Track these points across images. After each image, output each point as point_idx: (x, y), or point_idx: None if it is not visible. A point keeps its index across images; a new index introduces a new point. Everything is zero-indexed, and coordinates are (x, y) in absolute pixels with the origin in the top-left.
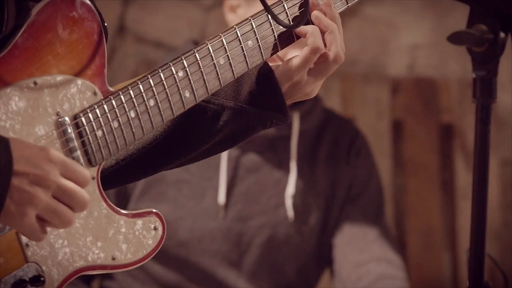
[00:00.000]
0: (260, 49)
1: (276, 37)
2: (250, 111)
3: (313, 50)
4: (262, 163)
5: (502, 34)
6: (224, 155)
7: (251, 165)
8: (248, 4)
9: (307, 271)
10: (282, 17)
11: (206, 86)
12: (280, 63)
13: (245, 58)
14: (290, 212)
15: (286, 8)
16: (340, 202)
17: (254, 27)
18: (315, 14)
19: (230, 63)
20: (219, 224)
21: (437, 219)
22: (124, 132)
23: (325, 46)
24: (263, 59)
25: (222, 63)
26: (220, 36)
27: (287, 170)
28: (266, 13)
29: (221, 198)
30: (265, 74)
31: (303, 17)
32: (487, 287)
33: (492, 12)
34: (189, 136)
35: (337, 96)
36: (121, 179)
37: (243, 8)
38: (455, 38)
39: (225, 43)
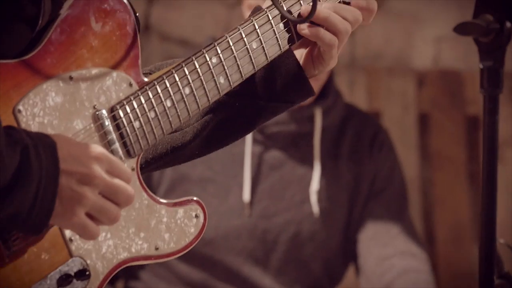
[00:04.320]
0: (292, 31)
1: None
2: (284, 107)
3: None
4: (286, 159)
5: (508, 24)
6: (248, 153)
7: (275, 162)
8: (267, 2)
9: (332, 266)
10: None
11: (240, 71)
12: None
13: (278, 41)
14: (315, 208)
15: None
16: (363, 197)
17: (285, 8)
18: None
19: (263, 46)
20: (244, 222)
21: (465, 211)
22: (161, 122)
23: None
24: (296, 40)
25: (254, 47)
26: (252, 20)
27: (310, 166)
28: None
29: (246, 195)
30: (294, 71)
31: (313, 11)
32: (509, 277)
33: (498, 2)
34: (220, 135)
35: (362, 91)
36: (150, 171)
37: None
38: (461, 29)
39: (257, 27)
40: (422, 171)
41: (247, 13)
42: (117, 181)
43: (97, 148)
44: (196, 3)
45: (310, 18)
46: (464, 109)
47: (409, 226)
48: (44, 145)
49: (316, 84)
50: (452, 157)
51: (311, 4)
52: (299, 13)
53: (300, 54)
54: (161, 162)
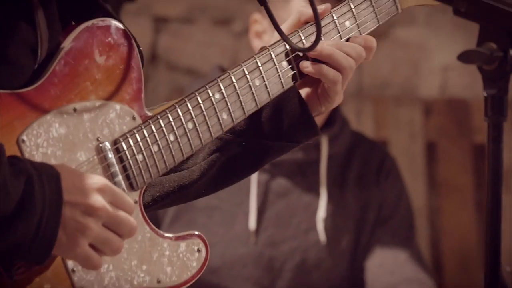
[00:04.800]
0: (295, 69)
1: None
2: (290, 146)
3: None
4: (292, 187)
5: (511, 52)
6: (254, 181)
7: (281, 189)
8: (274, 30)
9: None
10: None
11: (243, 107)
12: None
13: (280, 79)
14: (322, 236)
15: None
16: (370, 224)
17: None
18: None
19: (265, 84)
20: (250, 250)
21: (472, 239)
22: (164, 156)
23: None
24: (298, 78)
25: (257, 84)
26: (255, 57)
27: (316, 194)
28: (299, 34)
29: (252, 223)
30: (300, 111)
31: (316, 42)
32: None
33: (501, 30)
34: (226, 174)
35: (369, 119)
36: (156, 209)
37: (268, 34)
38: (465, 57)
39: (259, 64)
40: (429, 199)
41: (254, 41)
42: (120, 213)
43: (101, 180)
44: (203, 33)
45: (313, 47)
46: (471, 138)
47: (417, 253)
48: (48, 176)
49: (320, 117)
50: (459, 185)
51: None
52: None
53: (305, 92)
54: (168, 200)
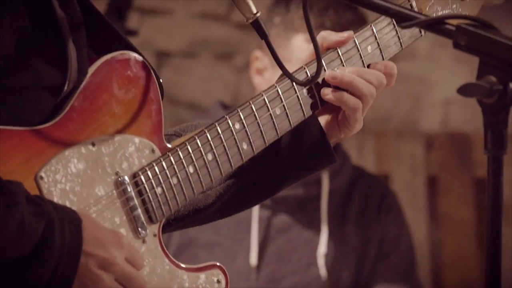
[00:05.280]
0: (316, 97)
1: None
2: (306, 174)
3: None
4: (293, 223)
5: (511, 85)
6: (255, 217)
7: (282, 225)
8: (274, 67)
9: None
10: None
11: (263, 137)
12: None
13: (301, 107)
14: (323, 271)
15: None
16: (371, 260)
17: (309, 75)
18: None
19: (286, 112)
20: (251, 286)
21: (474, 273)
22: (184, 188)
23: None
24: (320, 106)
25: (278, 113)
26: (275, 86)
27: (317, 229)
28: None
29: (253, 259)
30: (318, 139)
31: (317, 75)
32: None
33: (501, 63)
34: (241, 199)
35: (371, 154)
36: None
37: (269, 71)
38: (465, 90)
39: (280, 93)
40: (431, 233)
41: (255, 78)
42: (133, 271)
43: (123, 237)
44: (205, 67)
45: (315, 80)
46: (472, 171)
47: None
48: (69, 222)
49: None
50: (461, 219)
51: (336, 69)
52: (324, 79)
53: (325, 118)
54: (182, 223)
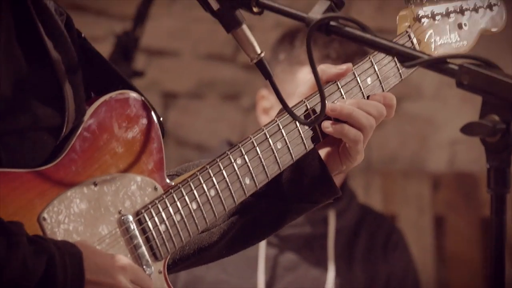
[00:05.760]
0: (317, 130)
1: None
2: (309, 207)
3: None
4: (300, 261)
5: None
6: (262, 255)
7: (289, 264)
8: (281, 106)
9: None
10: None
11: (265, 171)
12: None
13: (303, 140)
14: None
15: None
16: None
17: (309, 108)
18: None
19: (288, 146)
20: None
21: None
22: (187, 224)
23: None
24: (321, 138)
25: (279, 147)
26: (276, 120)
27: (324, 268)
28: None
29: None
30: (319, 172)
31: (321, 114)
32: None
33: (504, 102)
34: (246, 236)
35: (378, 193)
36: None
37: (275, 110)
38: (468, 129)
39: (281, 127)
40: (437, 273)
41: (262, 117)
42: None
43: (123, 259)
44: (211, 108)
45: (320, 118)
46: (479, 211)
47: None
48: (70, 255)
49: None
50: (468, 258)
51: (336, 102)
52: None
53: (326, 151)
54: (188, 263)
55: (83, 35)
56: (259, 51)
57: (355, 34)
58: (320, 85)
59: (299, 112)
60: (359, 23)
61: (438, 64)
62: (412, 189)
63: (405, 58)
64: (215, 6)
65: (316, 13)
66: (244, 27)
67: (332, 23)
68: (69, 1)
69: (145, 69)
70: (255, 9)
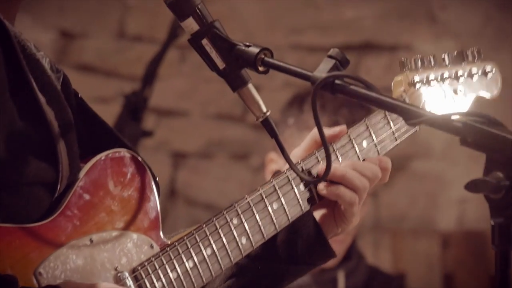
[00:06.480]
0: (313, 192)
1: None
2: (305, 269)
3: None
4: None
5: None
6: None
7: None
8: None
9: None
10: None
11: (262, 231)
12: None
13: (299, 202)
14: None
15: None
16: None
17: (304, 170)
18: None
19: (284, 207)
20: None
21: None
22: (184, 282)
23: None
24: (317, 200)
25: (275, 208)
26: (272, 181)
27: None
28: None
29: None
30: (314, 234)
31: (326, 173)
32: None
33: (508, 159)
34: None
35: (387, 252)
36: None
37: None
38: (472, 186)
39: (277, 188)
40: None
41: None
42: None
43: (102, 284)
44: (221, 168)
45: (325, 177)
46: (488, 269)
47: None
48: None
49: (342, 246)
50: None
51: (335, 163)
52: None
53: (321, 213)
54: None
55: (79, 94)
56: (264, 109)
57: (360, 92)
58: (326, 144)
59: (294, 174)
60: (364, 81)
61: (442, 122)
62: (421, 247)
63: (410, 116)
64: (221, 65)
65: (321, 71)
66: (250, 86)
67: (337, 81)
68: (79, 62)
69: (155, 129)
70: (260, 68)
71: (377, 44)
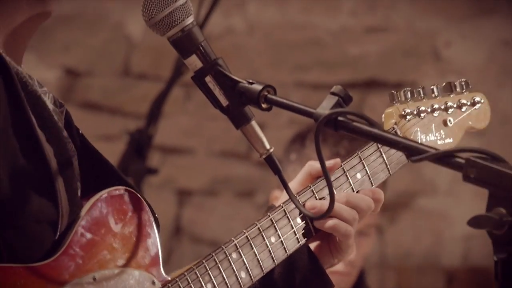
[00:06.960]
0: (309, 225)
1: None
2: None
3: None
4: None
5: None
6: None
7: None
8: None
9: None
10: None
11: (260, 265)
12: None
13: (296, 235)
14: None
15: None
16: None
17: (300, 203)
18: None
19: (281, 241)
20: None
21: None
22: None
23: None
24: (313, 233)
25: (273, 241)
26: (269, 215)
27: None
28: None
29: None
30: (311, 265)
31: (330, 210)
32: None
33: (510, 195)
34: None
35: None
36: None
37: None
38: (475, 222)
39: (274, 221)
40: None
41: None
42: None
43: None
44: (226, 205)
45: (328, 213)
46: None
47: None
48: None
49: (349, 278)
50: None
51: (326, 196)
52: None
53: (317, 245)
54: None
55: (80, 131)
56: (268, 146)
57: (362, 129)
58: (328, 178)
59: (290, 207)
60: (367, 118)
61: (445, 158)
62: (426, 284)
63: (413, 152)
64: (224, 102)
65: (324, 108)
66: (253, 123)
67: (340, 118)
68: (84, 100)
69: (160, 166)
70: (263, 105)
71: (382, 81)
